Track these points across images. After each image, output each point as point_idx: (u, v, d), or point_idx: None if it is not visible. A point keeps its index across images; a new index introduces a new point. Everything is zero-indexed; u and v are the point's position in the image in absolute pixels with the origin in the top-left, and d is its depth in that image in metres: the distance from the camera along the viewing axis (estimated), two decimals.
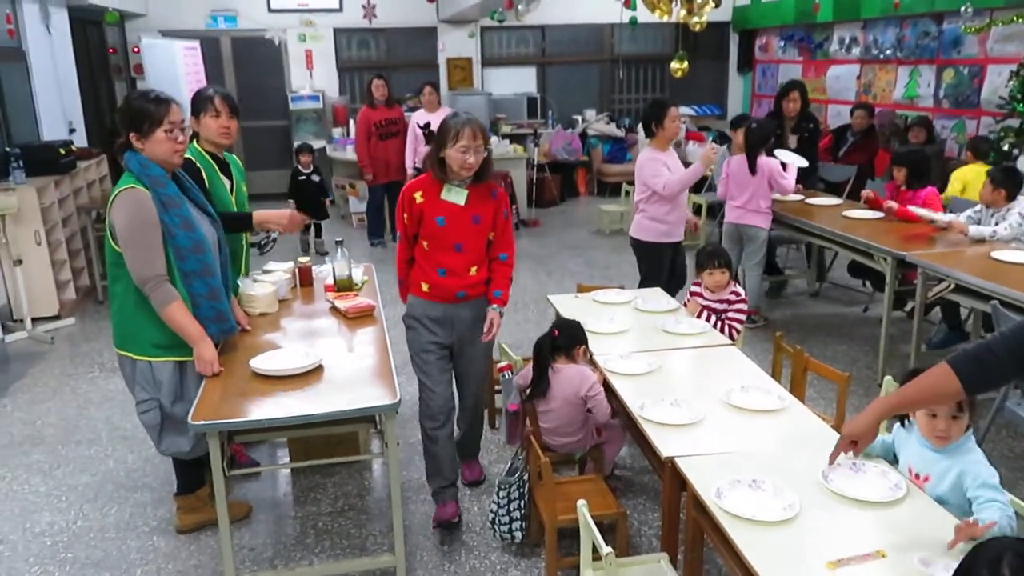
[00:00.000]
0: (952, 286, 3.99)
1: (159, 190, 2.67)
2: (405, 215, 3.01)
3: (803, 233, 5.31)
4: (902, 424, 2.33)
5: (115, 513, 3.40)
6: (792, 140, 6.09)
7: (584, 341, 3.16)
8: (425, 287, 3.06)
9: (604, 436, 3.23)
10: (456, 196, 2.95)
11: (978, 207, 4.62)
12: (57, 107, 7.26)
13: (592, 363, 3.17)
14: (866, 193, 5.33)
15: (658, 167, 4.61)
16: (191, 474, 3.21)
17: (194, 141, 3.26)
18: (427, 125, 7.49)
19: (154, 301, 2.67)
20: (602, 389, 3.05)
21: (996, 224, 4.45)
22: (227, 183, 3.37)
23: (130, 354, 2.82)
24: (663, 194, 4.58)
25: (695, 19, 4.58)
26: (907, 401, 1.97)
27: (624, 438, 3.31)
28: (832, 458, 2.20)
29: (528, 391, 3.19)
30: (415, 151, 7.52)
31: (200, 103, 3.26)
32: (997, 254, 4.10)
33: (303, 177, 7.44)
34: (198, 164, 3.19)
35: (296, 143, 8.61)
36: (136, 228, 2.63)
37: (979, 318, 4.59)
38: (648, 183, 4.63)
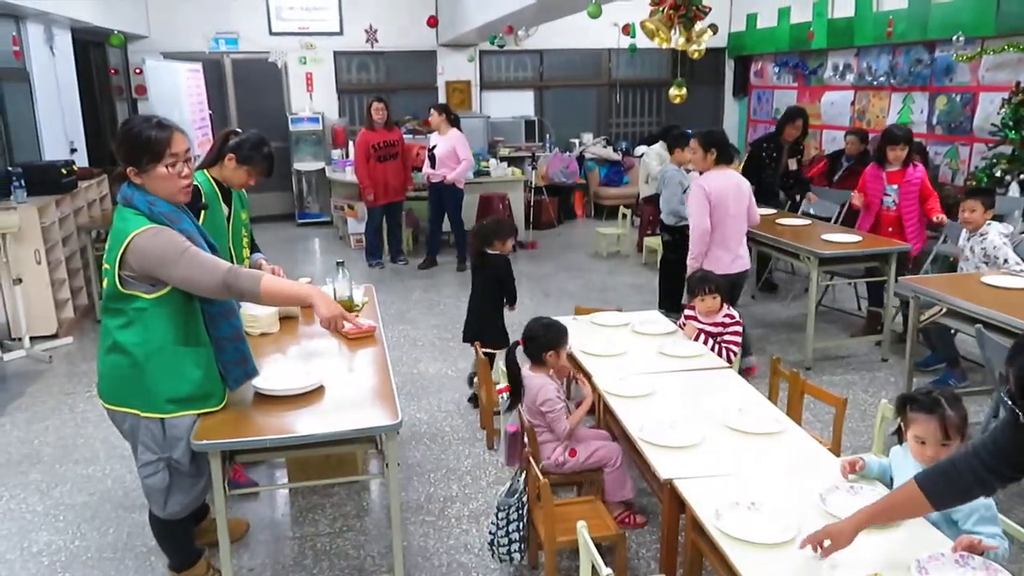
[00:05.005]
0: (944, 310, 4.04)
1: (177, 226, 2.43)
2: None
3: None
4: (900, 442, 2.37)
5: (113, 533, 3.40)
6: (792, 163, 6.56)
7: (554, 345, 3.21)
8: None
9: (578, 458, 3.18)
10: None
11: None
12: (59, 127, 7.31)
13: (572, 359, 3.37)
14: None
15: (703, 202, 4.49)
16: (184, 550, 2.91)
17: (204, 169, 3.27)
18: (432, 148, 7.56)
19: (246, 290, 2.40)
20: (560, 403, 3.14)
21: (973, 247, 4.60)
22: (225, 210, 3.39)
23: (135, 411, 2.50)
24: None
25: (693, 47, 4.64)
26: (884, 515, 1.99)
27: (626, 476, 3.22)
28: (805, 543, 2.00)
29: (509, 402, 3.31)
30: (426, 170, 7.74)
31: (251, 155, 3.29)
32: (988, 279, 4.16)
33: None
34: (202, 190, 3.22)
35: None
36: (179, 248, 2.37)
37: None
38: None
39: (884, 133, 5.37)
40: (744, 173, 6.75)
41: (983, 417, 3.81)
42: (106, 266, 2.46)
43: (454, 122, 7.60)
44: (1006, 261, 4.43)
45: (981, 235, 4.56)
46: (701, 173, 4.66)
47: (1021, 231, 5.58)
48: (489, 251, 4.42)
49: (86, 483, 3.82)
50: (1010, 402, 1.67)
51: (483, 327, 4.43)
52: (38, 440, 4.29)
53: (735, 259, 4.62)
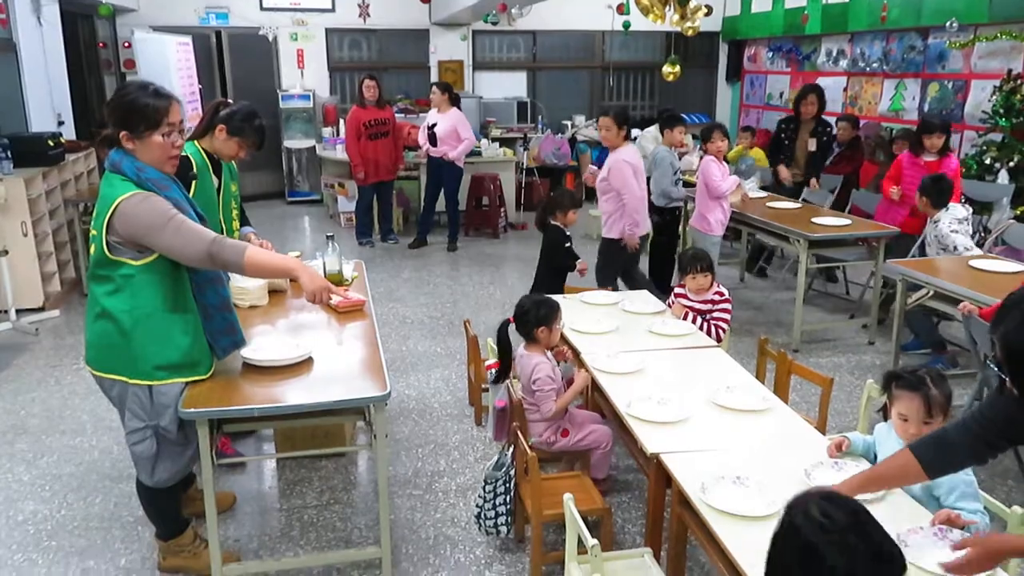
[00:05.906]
0: (931, 293, 4.07)
1: (165, 193, 2.41)
2: None
3: (736, 222, 5.74)
4: (885, 419, 2.39)
5: (100, 503, 3.39)
6: (811, 143, 6.53)
7: (545, 321, 3.19)
8: None
9: (569, 439, 3.19)
10: None
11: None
12: (46, 99, 7.21)
13: (563, 338, 3.37)
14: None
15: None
16: (171, 519, 2.90)
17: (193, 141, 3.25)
18: (433, 126, 7.52)
19: (230, 261, 2.41)
20: (551, 384, 3.11)
21: (929, 235, 4.69)
22: (215, 182, 3.37)
23: (122, 378, 2.49)
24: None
25: (688, 24, 4.63)
26: (877, 483, 2.02)
27: (608, 459, 3.25)
28: None
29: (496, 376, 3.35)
30: (425, 146, 7.69)
31: (241, 127, 3.26)
32: (976, 263, 4.19)
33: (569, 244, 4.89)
34: (192, 160, 3.19)
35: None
36: (165, 215, 2.35)
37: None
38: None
39: (921, 122, 5.34)
40: (767, 153, 6.84)
41: (966, 400, 3.85)
42: (93, 232, 2.44)
43: (455, 101, 7.56)
44: (956, 248, 4.48)
45: (934, 222, 4.62)
46: (612, 149, 4.98)
47: (1010, 218, 5.62)
48: (552, 221, 4.74)
49: (73, 454, 3.81)
50: (995, 368, 1.69)
51: (539, 289, 4.57)
52: (24, 411, 4.27)
53: (648, 221, 5.21)
